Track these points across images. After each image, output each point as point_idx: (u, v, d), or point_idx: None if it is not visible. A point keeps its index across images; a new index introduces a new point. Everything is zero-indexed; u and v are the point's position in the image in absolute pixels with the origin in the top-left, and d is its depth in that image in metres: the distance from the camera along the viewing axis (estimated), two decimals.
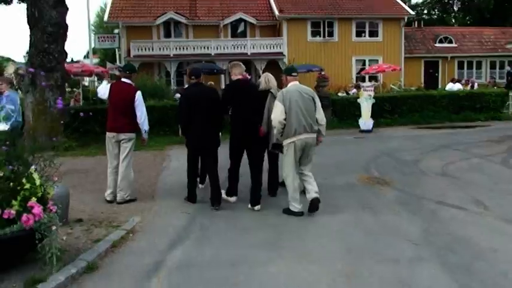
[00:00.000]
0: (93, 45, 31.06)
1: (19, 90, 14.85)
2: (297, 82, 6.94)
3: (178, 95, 16.86)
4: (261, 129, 7.16)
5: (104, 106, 11.47)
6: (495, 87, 24.48)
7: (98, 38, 30.04)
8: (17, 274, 4.62)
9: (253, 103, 7.21)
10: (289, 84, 6.91)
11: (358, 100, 16.70)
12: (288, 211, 6.88)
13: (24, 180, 4.72)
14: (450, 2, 50.64)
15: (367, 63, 31.17)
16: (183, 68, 27.06)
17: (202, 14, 31.20)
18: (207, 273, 4.92)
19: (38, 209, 4.58)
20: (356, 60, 31.37)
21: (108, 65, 28.01)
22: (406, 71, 31.13)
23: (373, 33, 31.48)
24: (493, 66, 34.64)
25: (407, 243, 5.71)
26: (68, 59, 31.29)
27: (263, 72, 9.10)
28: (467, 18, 48.99)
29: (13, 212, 4.53)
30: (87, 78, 33.86)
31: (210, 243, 5.79)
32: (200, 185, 8.30)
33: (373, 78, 29.28)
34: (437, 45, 34.29)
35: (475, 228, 6.22)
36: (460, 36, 35.29)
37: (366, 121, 16.38)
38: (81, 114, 6.06)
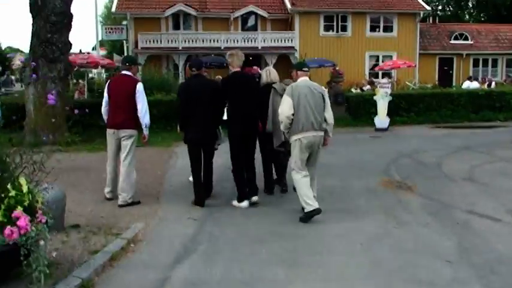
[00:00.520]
0: (100, 37, 30.45)
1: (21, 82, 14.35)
2: (307, 78, 6.67)
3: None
4: (260, 126, 7.06)
5: None
6: None
7: (105, 29, 29.45)
8: None
9: (253, 97, 6.97)
10: (299, 79, 6.60)
11: (374, 97, 15.99)
12: (304, 218, 6.32)
13: (9, 186, 4.12)
14: None
15: (380, 59, 30.41)
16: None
17: (212, 6, 30.56)
18: None
19: (24, 221, 3.97)
20: (369, 55, 30.66)
21: (115, 57, 27.48)
22: (420, 68, 30.33)
23: (388, 29, 30.76)
24: (509, 64, 33.84)
25: (440, 260, 5.06)
26: (77, 50, 30.82)
27: (274, 67, 8.61)
28: (482, 14, 48.00)
29: None
30: (94, 70, 33.35)
31: (221, 257, 5.16)
32: None
33: (386, 74, 28.56)
34: (452, 42, 33.46)
35: None
36: (476, 33, 34.41)
37: (381, 119, 15.68)
38: (76, 111, 5.52)
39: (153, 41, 28.61)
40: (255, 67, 20.89)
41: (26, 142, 12.45)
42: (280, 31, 30.23)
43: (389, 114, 15.96)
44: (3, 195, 4.05)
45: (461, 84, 26.64)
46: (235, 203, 7.01)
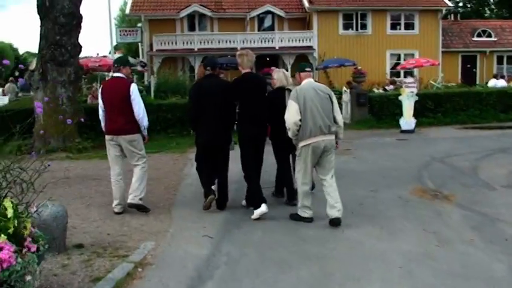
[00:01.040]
0: (114, 40, 30.03)
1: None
2: (311, 79, 6.35)
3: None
4: (269, 130, 6.85)
5: None
6: None
7: (120, 32, 28.96)
8: None
9: (261, 99, 6.68)
10: (303, 82, 6.27)
11: (400, 97, 15.18)
12: (296, 216, 6.28)
13: None
14: None
15: (402, 57, 29.47)
16: None
17: (228, 6, 29.94)
18: None
19: (6, 253, 3.35)
20: (390, 54, 29.73)
21: (131, 60, 26.94)
22: (442, 66, 29.35)
23: (409, 26, 29.80)
24: None
25: None
26: (93, 54, 30.40)
27: (292, 67, 8.02)
28: (504, 10, 46.72)
29: None
30: (110, 74, 32.96)
31: (241, 286, 4.49)
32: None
33: (408, 73, 27.65)
34: (475, 39, 32.37)
35: None
36: (500, 29, 33.26)
37: (407, 120, 14.88)
38: (82, 120, 4.99)
39: (168, 43, 28.08)
40: (273, 68, 20.19)
41: (35, 148, 12.00)
42: (298, 30, 29.46)
43: (414, 115, 15.17)
44: None
45: (486, 82, 25.69)
46: (257, 213, 6.43)
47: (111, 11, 33.82)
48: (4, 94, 24.87)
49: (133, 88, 6.63)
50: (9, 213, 3.56)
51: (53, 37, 11.88)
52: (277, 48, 28.43)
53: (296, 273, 4.73)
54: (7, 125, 4.32)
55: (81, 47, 12.63)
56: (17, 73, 37.62)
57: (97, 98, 18.80)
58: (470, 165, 9.78)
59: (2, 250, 3.36)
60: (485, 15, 47.26)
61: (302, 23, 30.08)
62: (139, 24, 31.03)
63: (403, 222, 6.27)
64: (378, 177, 8.85)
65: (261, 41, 28.51)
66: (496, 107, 17.41)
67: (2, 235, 3.44)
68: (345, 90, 17.72)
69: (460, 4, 49.49)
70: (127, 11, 29.10)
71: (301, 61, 26.57)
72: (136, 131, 6.71)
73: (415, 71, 26.84)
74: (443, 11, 30.24)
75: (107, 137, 6.78)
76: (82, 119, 8.34)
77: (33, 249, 3.64)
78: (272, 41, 28.59)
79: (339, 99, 19.96)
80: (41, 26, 12.05)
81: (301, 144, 6.12)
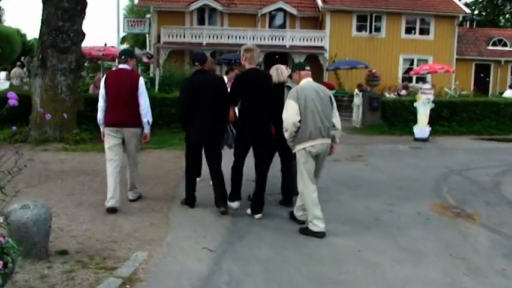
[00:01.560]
0: (122, 31, 29.44)
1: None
2: (310, 78, 6.00)
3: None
4: (273, 130, 6.40)
5: None
6: None
7: (128, 22, 28.37)
8: None
9: (265, 96, 6.30)
10: (303, 81, 5.95)
11: (415, 104, 14.50)
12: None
13: None
14: (504, 2, 47.61)
15: (415, 62, 28.80)
16: (216, 57, 25.18)
17: (240, 1, 29.33)
18: None
19: None
20: (403, 58, 29.04)
21: (137, 51, 26.31)
22: (455, 74, 28.65)
23: (424, 31, 29.13)
24: None
25: None
26: (101, 44, 29.82)
27: None
28: None
29: None
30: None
31: None
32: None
33: (420, 79, 26.98)
34: (490, 47, 31.69)
35: None
36: None
37: (422, 128, 14.20)
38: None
39: (176, 36, 27.49)
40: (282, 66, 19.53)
41: (30, 137, 11.41)
42: (310, 30, 28.81)
43: (429, 122, 14.50)
44: None
45: (500, 92, 25.00)
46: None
47: (119, 1, 33.20)
48: (9, 78, 24.33)
49: (142, 82, 6.56)
50: None
51: (55, 22, 11.25)
52: (287, 46, 27.82)
53: None
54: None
55: (84, 34, 11.99)
56: (23, 58, 37.09)
57: (99, 88, 18.22)
58: (491, 181, 9.12)
59: None
60: (500, 24, 46.47)
61: (314, 22, 29.43)
62: (148, 16, 30.41)
63: (426, 243, 5.63)
64: (393, 189, 8.21)
65: (272, 39, 27.91)
66: None
67: None
68: (357, 93, 17.07)
69: (476, 12, 48.71)
70: (136, 1, 28.55)
71: (312, 61, 26.07)
72: (141, 125, 6.58)
73: (428, 77, 26.14)
74: (460, 18, 29.53)
75: (108, 128, 6.50)
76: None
77: None
78: (283, 39, 27.96)
79: (350, 102, 19.33)
80: (43, 10, 11.44)
81: (299, 147, 5.75)
